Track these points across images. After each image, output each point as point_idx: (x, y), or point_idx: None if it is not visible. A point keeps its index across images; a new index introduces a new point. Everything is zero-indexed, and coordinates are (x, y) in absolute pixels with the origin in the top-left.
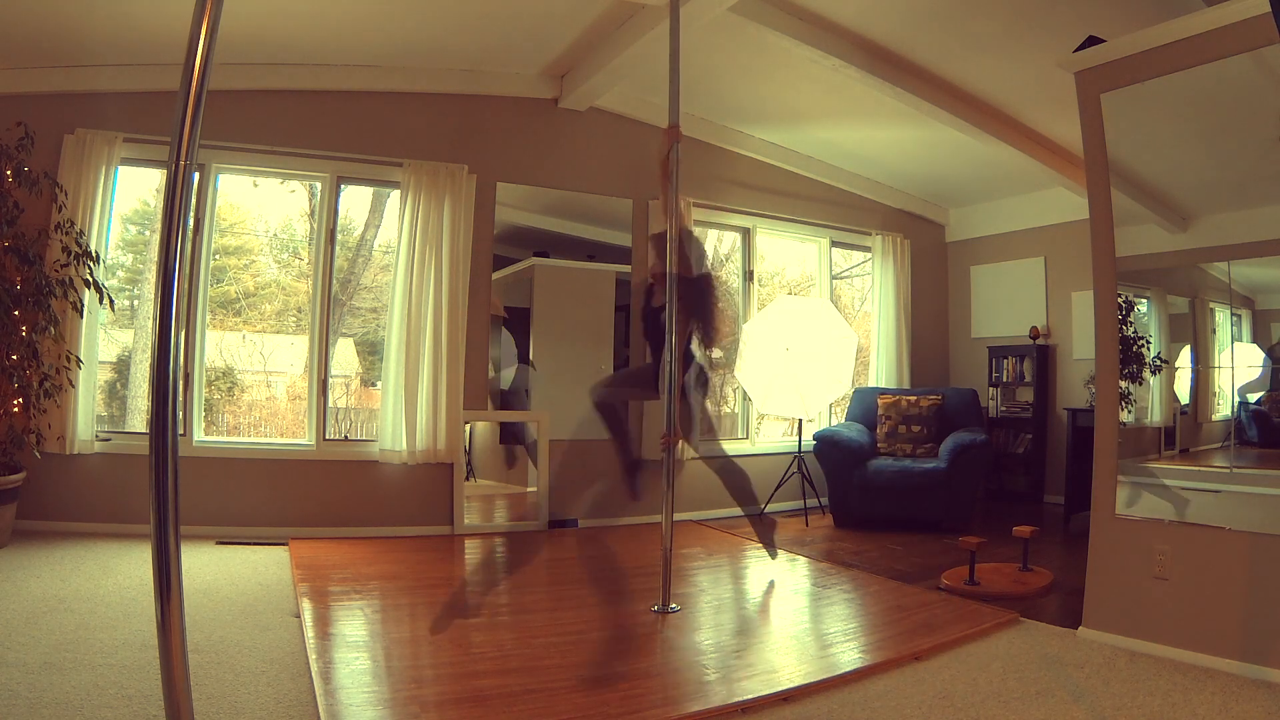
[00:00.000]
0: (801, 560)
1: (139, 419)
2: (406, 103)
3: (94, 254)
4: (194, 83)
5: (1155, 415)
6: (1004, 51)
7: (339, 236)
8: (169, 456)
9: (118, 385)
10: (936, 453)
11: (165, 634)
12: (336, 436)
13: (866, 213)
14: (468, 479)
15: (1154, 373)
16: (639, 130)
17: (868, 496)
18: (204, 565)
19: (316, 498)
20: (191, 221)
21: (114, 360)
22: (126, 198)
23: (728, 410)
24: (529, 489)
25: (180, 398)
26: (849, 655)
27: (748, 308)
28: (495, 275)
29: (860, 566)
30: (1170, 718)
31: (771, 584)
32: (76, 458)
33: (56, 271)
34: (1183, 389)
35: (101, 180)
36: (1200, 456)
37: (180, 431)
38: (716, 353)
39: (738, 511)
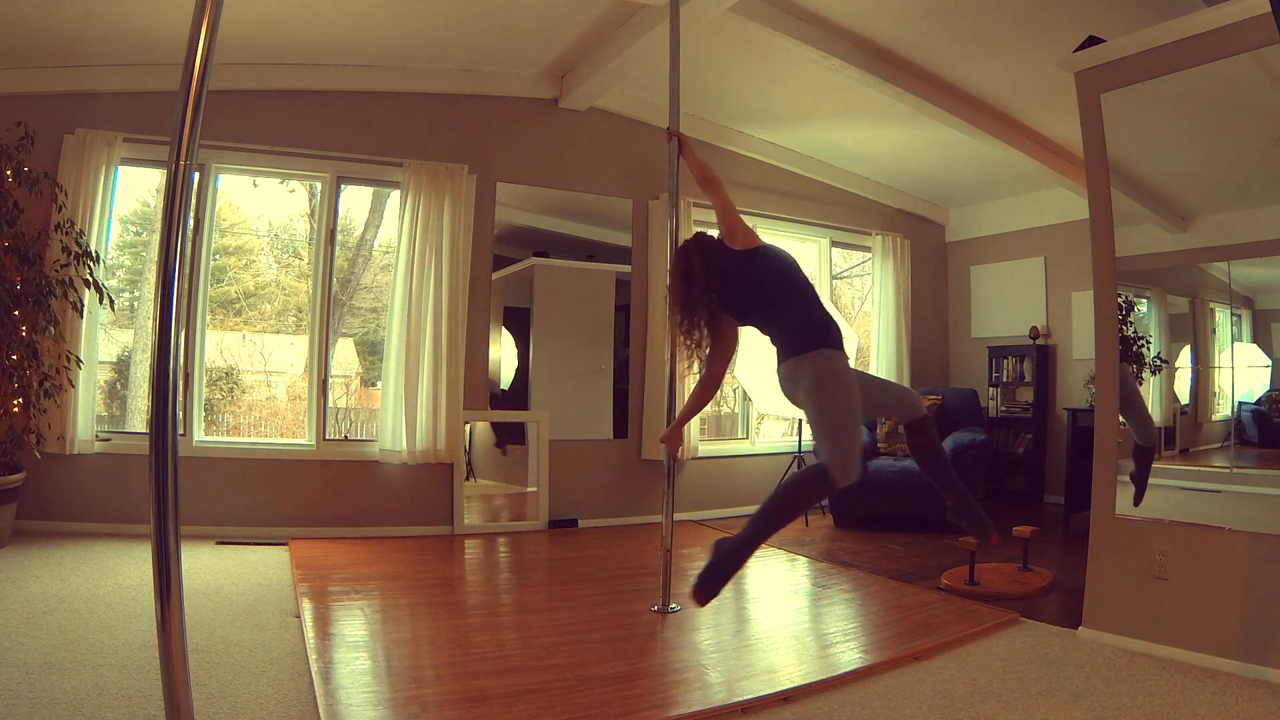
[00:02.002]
0: (801, 560)
1: (139, 419)
2: (406, 103)
3: (94, 254)
4: (194, 83)
5: (1155, 415)
6: (1004, 51)
7: (339, 236)
8: (169, 456)
9: (118, 385)
10: None
11: (165, 634)
12: (336, 436)
13: (866, 213)
14: (468, 479)
15: (1154, 373)
16: (639, 130)
17: (868, 496)
18: (204, 565)
19: (316, 498)
20: (191, 221)
21: (114, 360)
22: (126, 198)
23: (727, 410)
24: (529, 489)
25: (180, 398)
26: (849, 655)
27: None
28: (495, 275)
29: (860, 566)
30: (1170, 718)
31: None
32: (76, 458)
33: (56, 271)
34: (1183, 389)
35: (101, 180)
36: (1200, 456)
37: (180, 431)
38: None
39: (738, 511)
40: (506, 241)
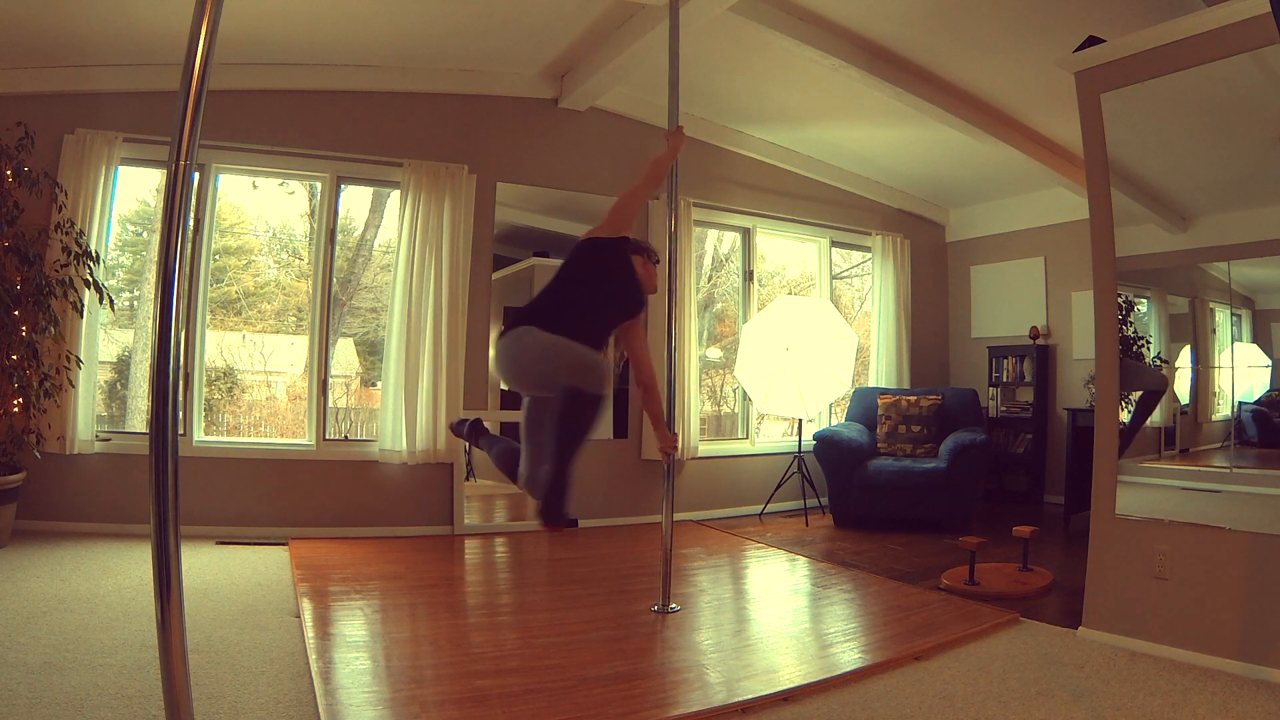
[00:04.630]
0: (801, 560)
1: (139, 419)
2: (406, 103)
3: (94, 254)
4: (194, 83)
5: (1155, 415)
6: (1004, 51)
7: (339, 236)
8: (169, 456)
9: (118, 385)
10: (936, 453)
11: (165, 634)
12: (336, 436)
13: (866, 213)
14: (468, 479)
15: None
16: (639, 130)
17: (868, 496)
18: (204, 565)
19: (316, 498)
20: (191, 221)
21: (114, 360)
22: (126, 198)
23: (727, 410)
24: None
25: (180, 398)
26: (849, 655)
27: (748, 308)
28: (495, 275)
29: (860, 566)
30: (1170, 718)
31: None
32: (76, 458)
33: (56, 271)
34: (1183, 389)
35: (101, 180)
36: (1200, 456)
37: (180, 431)
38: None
39: (738, 511)
40: (506, 241)
